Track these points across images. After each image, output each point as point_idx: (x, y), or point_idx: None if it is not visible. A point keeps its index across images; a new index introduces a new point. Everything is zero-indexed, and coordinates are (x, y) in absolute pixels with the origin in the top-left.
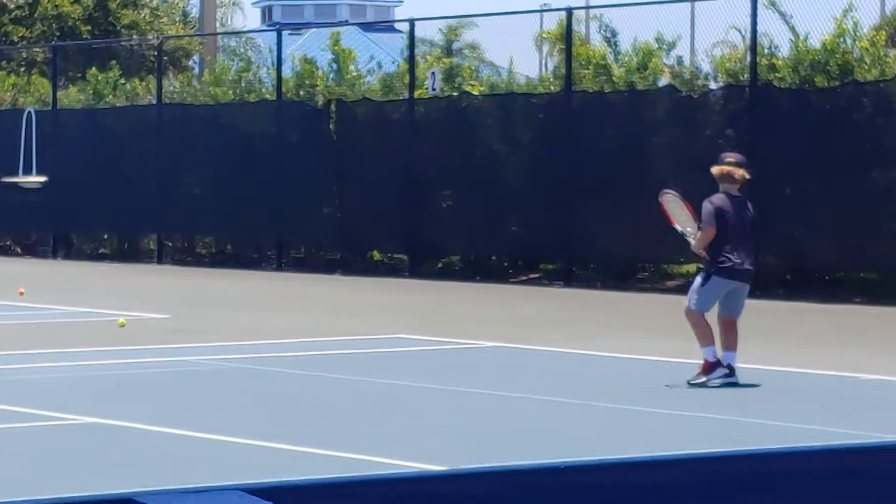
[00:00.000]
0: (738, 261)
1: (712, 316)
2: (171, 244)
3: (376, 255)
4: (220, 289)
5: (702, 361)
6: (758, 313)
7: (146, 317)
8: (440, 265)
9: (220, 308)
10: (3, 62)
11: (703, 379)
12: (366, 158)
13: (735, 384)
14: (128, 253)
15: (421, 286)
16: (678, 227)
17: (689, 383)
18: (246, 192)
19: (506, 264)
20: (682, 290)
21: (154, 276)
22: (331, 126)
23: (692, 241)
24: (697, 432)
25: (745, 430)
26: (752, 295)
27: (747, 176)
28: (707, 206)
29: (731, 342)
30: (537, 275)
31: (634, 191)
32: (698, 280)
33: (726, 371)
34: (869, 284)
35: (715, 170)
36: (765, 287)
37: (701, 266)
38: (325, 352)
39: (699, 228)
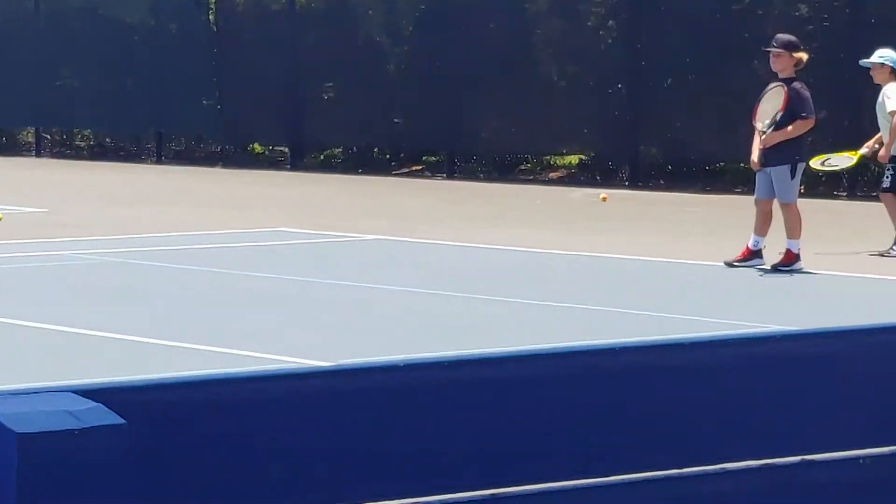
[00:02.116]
0: None
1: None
2: (49, 137)
3: (257, 147)
4: (98, 182)
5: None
6: (639, 204)
7: (23, 210)
8: (322, 158)
9: (98, 201)
10: None
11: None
12: (246, 50)
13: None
14: (5, 145)
15: (302, 178)
16: (758, 125)
17: (775, 267)
18: (125, 84)
19: (388, 156)
20: (565, 181)
21: (32, 169)
22: (210, 17)
23: (768, 134)
24: (578, 323)
25: (626, 321)
26: (633, 185)
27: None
28: (807, 94)
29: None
30: (420, 167)
31: (517, 82)
32: (784, 172)
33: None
34: (750, 174)
35: (805, 56)
36: (646, 178)
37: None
38: (205, 245)
39: (802, 117)
